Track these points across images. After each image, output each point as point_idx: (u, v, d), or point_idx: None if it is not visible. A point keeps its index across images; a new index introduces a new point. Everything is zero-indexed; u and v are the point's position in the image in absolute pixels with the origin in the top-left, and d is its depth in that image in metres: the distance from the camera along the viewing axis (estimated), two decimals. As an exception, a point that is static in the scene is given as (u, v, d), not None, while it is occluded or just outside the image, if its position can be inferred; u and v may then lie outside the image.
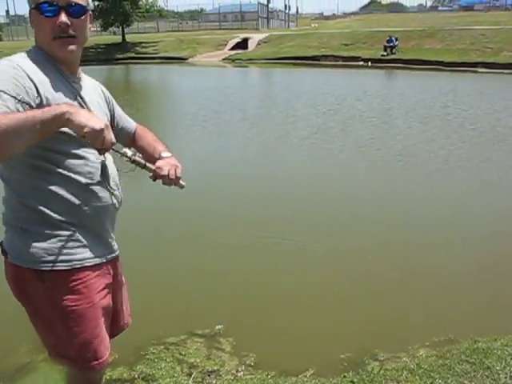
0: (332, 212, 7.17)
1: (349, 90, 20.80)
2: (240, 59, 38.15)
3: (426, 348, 4.00)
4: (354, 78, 27.31)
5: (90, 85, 2.32)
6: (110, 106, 2.44)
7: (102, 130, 1.86)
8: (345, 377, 3.50)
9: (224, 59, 38.99)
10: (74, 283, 2.09)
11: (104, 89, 2.45)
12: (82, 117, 1.84)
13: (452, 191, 8.08)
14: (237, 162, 9.81)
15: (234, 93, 20.71)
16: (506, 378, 3.33)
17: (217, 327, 4.31)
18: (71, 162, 2.06)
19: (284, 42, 40.54)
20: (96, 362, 2.18)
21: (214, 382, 3.57)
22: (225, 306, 4.62)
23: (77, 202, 2.08)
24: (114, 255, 2.29)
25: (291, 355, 4.00)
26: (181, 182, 2.29)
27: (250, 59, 37.74)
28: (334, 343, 4.14)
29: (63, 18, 2.01)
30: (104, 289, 2.18)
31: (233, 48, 41.77)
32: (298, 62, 35.12)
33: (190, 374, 3.70)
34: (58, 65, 2.11)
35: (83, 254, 2.11)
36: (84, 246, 2.12)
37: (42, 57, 2.07)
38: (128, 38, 48.22)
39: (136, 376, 3.61)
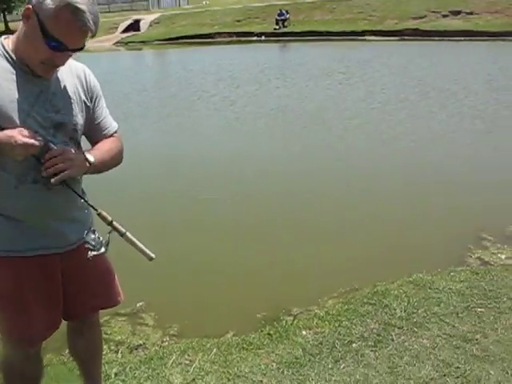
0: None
1: (247, 63, 21.19)
2: (133, 41, 37.27)
3: (333, 298, 4.39)
4: (249, 52, 27.65)
5: (68, 71, 2.17)
6: (91, 94, 2.26)
7: (20, 146, 1.91)
8: (262, 331, 3.81)
9: (116, 43, 37.83)
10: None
11: (89, 76, 2.27)
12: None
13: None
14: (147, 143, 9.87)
15: (134, 75, 20.45)
16: (401, 312, 3.78)
17: (138, 304, 4.48)
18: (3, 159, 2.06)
19: (177, 22, 40.14)
20: (24, 342, 2.35)
21: (142, 353, 3.75)
22: (143, 283, 4.77)
23: (8, 197, 2.14)
24: (60, 249, 2.31)
25: (212, 321, 4.26)
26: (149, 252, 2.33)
27: (143, 41, 37.03)
28: (251, 305, 4.43)
29: (65, 58, 2.00)
30: (34, 278, 2.28)
31: (124, 31, 40.73)
32: (193, 40, 34.99)
33: (117, 351, 3.84)
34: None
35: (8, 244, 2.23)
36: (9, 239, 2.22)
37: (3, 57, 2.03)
38: (12, 26, 45.79)
39: (65, 360, 3.71)
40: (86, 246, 2.26)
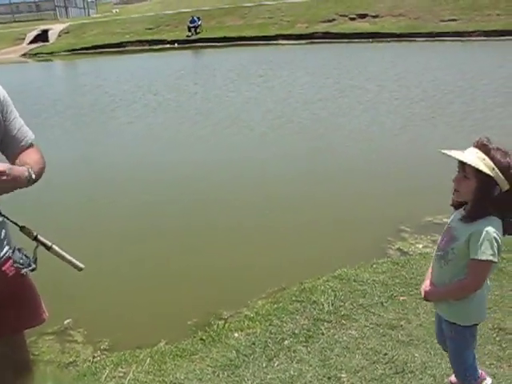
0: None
1: (162, 71, 21.05)
2: (41, 53, 36.11)
3: (262, 299, 4.46)
4: (162, 60, 27.46)
5: None
6: (1, 108, 2.19)
7: None
8: (194, 337, 3.82)
9: (24, 54, 36.53)
10: None
11: None
12: None
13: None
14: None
15: (45, 87, 19.80)
16: (328, 306, 3.90)
17: (65, 322, 4.38)
18: None
19: (87, 31, 39.27)
20: None
21: (74, 371, 3.67)
22: (68, 299, 4.66)
23: None
24: None
25: (143, 332, 4.22)
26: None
27: (52, 52, 35.93)
28: (181, 312, 4.44)
29: None
30: None
31: (32, 41, 39.43)
32: (104, 50, 34.25)
33: (46, 372, 3.74)
34: None
35: None
36: None
37: None
38: None
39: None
40: (15, 265, 2.21)
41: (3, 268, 2.26)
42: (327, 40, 29.14)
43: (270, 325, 3.76)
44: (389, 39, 27.40)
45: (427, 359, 3.18)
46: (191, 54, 30.11)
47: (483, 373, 2.67)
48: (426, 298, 2.53)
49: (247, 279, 4.94)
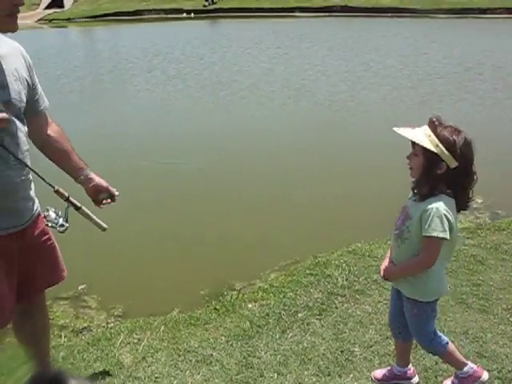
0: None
1: (179, 40, 20.86)
2: (57, 19, 35.79)
3: (275, 272, 4.48)
4: (180, 28, 27.21)
5: (7, 49, 2.18)
6: (30, 72, 2.30)
7: None
8: (208, 306, 3.84)
9: (39, 20, 36.24)
10: None
11: (26, 54, 2.31)
12: None
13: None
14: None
15: (63, 54, 19.71)
16: (343, 281, 3.90)
17: (80, 287, 4.42)
18: None
19: (103, -3, 38.89)
20: None
21: (88, 336, 3.71)
22: (83, 265, 4.68)
23: None
24: (16, 228, 2.26)
25: (156, 300, 4.25)
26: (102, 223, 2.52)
27: (69, 18, 35.61)
28: (194, 282, 4.45)
29: None
30: None
31: (48, 7, 39.12)
32: (120, 18, 33.94)
33: (61, 336, 3.78)
34: None
35: None
36: None
37: None
38: None
39: (5, 348, 3.61)
40: (49, 224, 2.31)
41: (37, 222, 2.36)
42: (345, 14, 28.69)
43: (283, 297, 3.76)
44: (408, 14, 26.92)
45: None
46: (208, 24, 29.78)
47: (480, 367, 2.71)
48: (385, 278, 2.56)
49: (260, 251, 4.94)
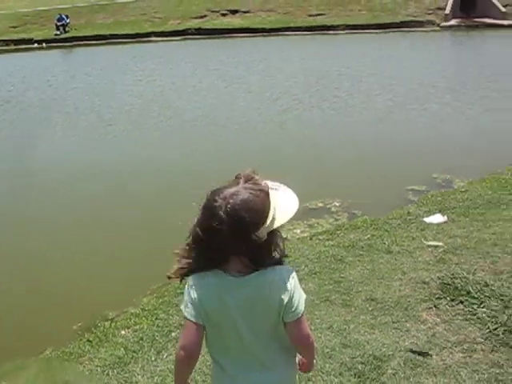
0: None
1: (34, 71, 20.04)
2: None
3: (147, 296, 4.49)
4: (31, 61, 26.13)
5: None
6: None
7: None
8: (81, 340, 3.78)
9: None
10: None
11: None
12: None
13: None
14: None
15: None
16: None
17: None
18: None
19: None
20: None
21: None
22: None
23: None
24: None
25: (28, 340, 4.10)
26: None
27: None
28: (67, 317, 4.35)
29: None
30: None
31: None
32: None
33: None
34: None
35: None
36: None
37: None
38: None
39: None
40: None
41: None
42: (200, 36, 29.19)
43: (156, 319, 3.80)
44: (260, 34, 28.03)
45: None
46: (62, 53, 28.89)
47: None
48: None
49: (130, 278, 4.93)
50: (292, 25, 29.04)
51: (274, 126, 10.19)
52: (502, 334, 3.21)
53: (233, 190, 1.63)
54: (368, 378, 2.95)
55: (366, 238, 4.79)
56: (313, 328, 3.41)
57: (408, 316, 3.48)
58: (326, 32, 27.24)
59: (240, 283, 1.68)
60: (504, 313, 3.37)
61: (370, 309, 3.63)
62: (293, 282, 1.72)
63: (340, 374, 3.00)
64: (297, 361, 1.93)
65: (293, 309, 1.71)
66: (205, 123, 10.68)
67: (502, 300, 3.50)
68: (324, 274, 4.16)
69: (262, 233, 1.63)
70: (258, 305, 1.70)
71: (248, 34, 28.37)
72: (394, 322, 3.43)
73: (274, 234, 1.70)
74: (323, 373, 3.03)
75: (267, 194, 1.67)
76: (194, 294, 1.71)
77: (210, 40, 27.73)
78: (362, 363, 3.06)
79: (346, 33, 26.68)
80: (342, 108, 11.54)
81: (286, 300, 1.69)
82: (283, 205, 1.70)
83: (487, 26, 27.87)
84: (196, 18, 32.44)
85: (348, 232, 5.01)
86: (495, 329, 3.26)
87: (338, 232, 5.04)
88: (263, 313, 1.72)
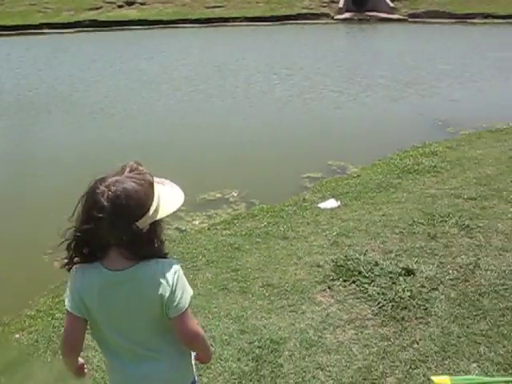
0: None
1: None
2: None
3: (44, 297, 4.31)
4: None
5: None
6: None
7: None
8: (-29, 347, 3.59)
9: None
10: None
11: None
12: None
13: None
14: None
15: None
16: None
17: None
18: None
19: None
20: None
21: None
22: None
23: None
24: None
25: None
26: None
27: None
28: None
29: None
30: None
31: None
32: None
33: None
34: None
35: None
36: None
37: None
38: None
39: None
40: None
41: None
42: (96, 28, 28.37)
43: (52, 319, 3.69)
44: (157, 26, 27.68)
45: (207, 323, 3.41)
46: None
47: None
48: None
49: (27, 280, 4.73)
50: (190, 17, 28.91)
51: (175, 118, 10.16)
52: (391, 309, 3.40)
53: (116, 178, 1.61)
54: (265, 361, 3.02)
55: (262, 225, 4.88)
56: (210, 317, 3.45)
57: (303, 299, 3.60)
58: (224, 24, 27.32)
59: (120, 278, 1.66)
60: (392, 289, 3.57)
61: (267, 294, 3.71)
62: (175, 276, 1.69)
63: (238, 360, 3.05)
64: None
65: (175, 304, 1.69)
66: (104, 115, 10.47)
67: (391, 277, 3.71)
68: (221, 262, 4.21)
69: (145, 222, 1.62)
70: (138, 300, 1.69)
71: (145, 27, 27.93)
72: (290, 306, 3.53)
73: (157, 225, 1.68)
74: (221, 360, 3.06)
75: (151, 184, 1.65)
76: (74, 287, 1.68)
77: (106, 32, 27.02)
78: (260, 347, 3.13)
79: (244, 25, 26.88)
80: (241, 98, 11.68)
81: (166, 295, 1.67)
82: (168, 197, 1.69)
83: (378, 19, 29.14)
84: (91, 9, 31.52)
85: (245, 221, 5.09)
86: (384, 305, 3.44)
87: (236, 221, 5.10)
88: (145, 307, 1.70)
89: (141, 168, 1.66)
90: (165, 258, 1.73)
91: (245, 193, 6.21)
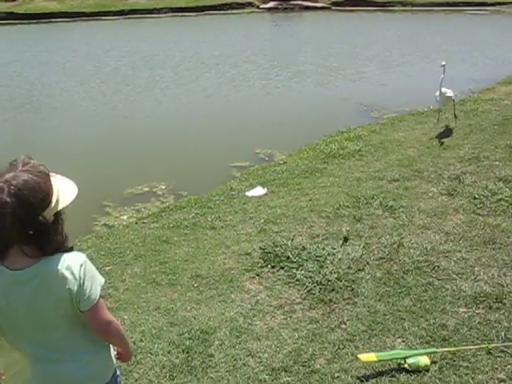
0: None
1: None
2: None
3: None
4: None
5: None
6: None
7: None
8: None
9: None
10: None
11: None
12: None
13: None
14: None
15: None
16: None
17: None
18: None
19: None
20: None
21: None
22: None
23: None
24: None
25: None
26: None
27: None
28: None
29: None
30: None
31: None
32: None
33: None
34: None
35: None
36: None
37: None
38: None
39: None
40: None
41: None
42: (13, 21, 27.22)
43: None
44: (79, 18, 26.90)
45: (136, 318, 3.35)
46: None
47: None
48: None
49: None
50: (113, 8, 28.23)
51: (106, 110, 9.93)
52: (319, 292, 3.44)
53: (12, 173, 1.53)
54: (196, 352, 2.99)
55: (190, 217, 4.83)
56: (140, 311, 3.39)
57: (233, 287, 3.59)
58: (148, 16, 26.88)
59: (21, 278, 1.59)
60: (320, 272, 3.61)
61: (196, 285, 3.68)
62: (81, 269, 1.64)
63: (168, 353, 3.01)
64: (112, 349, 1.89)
65: (85, 297, 1.64)
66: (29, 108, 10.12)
67: (318, 261, 3.75)
68: (150, 256, 4.14)
69: (49, 213, 1.57)
70: (45, 298, 1.62)
71: (66, 19, 27.07)
72: (219, 295, 3.52)
73: (59, 217, 1.63)
74: (152, 354, 3.01)
75: (48, 175, 1.60)
76: None
77: (25, 26, 26.01)
78: (190, 339, 3.10)
79: (171, 16, 26.54)
80: (169, 89, 11.54)
81: (75, 289, 1.61)
82: (64, 188, 1.64)
83: (302, 8, 29.44)
84: (8, 0, 30.17)
85: (173, 213, 5.02)
86: (312, 288, 3.48)
87: (163, 214, 5.03)
88: (54, 305, 1.63)
89: (33, 161, 1.60)
90: (70, 251, 1.66)
91: (173, 185, 6.13)
